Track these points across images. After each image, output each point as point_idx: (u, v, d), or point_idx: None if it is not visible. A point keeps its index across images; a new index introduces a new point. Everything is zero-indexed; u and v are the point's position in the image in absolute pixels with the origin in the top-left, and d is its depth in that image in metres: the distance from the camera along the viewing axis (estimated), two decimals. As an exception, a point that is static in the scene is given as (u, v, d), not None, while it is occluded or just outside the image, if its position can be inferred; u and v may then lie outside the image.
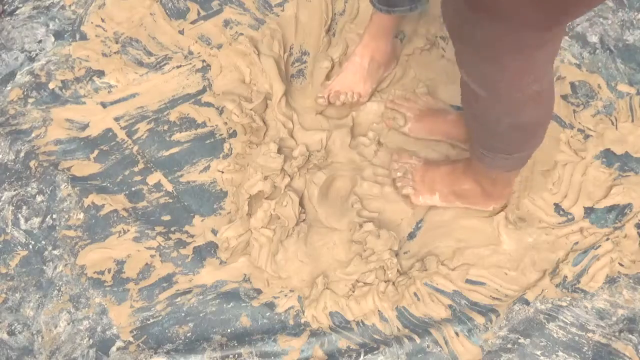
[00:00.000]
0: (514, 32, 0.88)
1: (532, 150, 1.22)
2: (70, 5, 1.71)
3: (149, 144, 1.53)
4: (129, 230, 1.43)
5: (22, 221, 1.45)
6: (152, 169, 1.51)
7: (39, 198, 1.47)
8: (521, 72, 0.97)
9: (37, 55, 1.64)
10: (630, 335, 1.27)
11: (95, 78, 1.60)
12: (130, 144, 1.53)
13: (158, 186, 1.49)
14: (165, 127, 1.55)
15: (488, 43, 0.92)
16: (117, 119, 1.56)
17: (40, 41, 1.66)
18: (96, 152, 1.52)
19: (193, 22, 1.67)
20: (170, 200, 1.47)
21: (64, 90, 1.59)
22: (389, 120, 1.51)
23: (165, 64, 1.61)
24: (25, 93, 1.59)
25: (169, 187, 1.49)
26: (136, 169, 1.51)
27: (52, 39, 1.66)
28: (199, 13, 1.68)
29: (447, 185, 1.40)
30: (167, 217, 1.45)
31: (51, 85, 1.60)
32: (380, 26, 1.46)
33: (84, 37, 1.66)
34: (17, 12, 1.69)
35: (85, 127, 1.56)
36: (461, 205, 1.41)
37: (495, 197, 1.38)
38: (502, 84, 0.99)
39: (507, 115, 1.06)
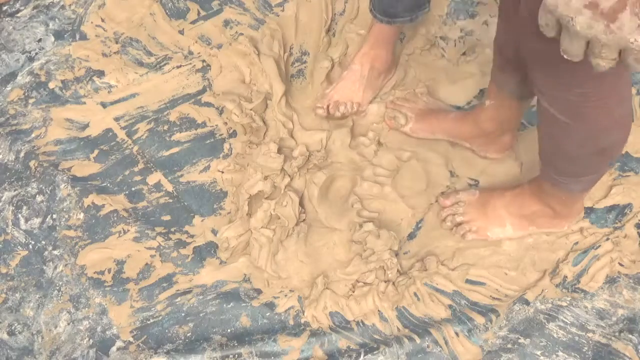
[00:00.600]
0: None
1: (606, 171, 1.20)
2: (70, 5, 1.71)
3: (149, 144, 1.53)
4: (129, 231, 1.43)
5: (22, 221, 1.45)
6: (152, 169, 1.51)
7: (39, 198, 1.47)
8: (607, 96, 0.96)
9: (36, 54, 1.64)
10: (630, 335, 1.27)
11: (95, 78, 1.61)
12: (130, 144, 1.53)
13: (158, 186, 1.49)
14: (165, 127, 1.55)
15: (574, 71, 0.90)
16: (117, 119, 1.56)
17: (39, 40, 1.66)
18: (96, 152, 1.52)
19: (193, 22, 1.67)
20: (170, 200, 1.47)
21: (64, 91, 1.60)
22: (390, 120, 1.51)
23: (165, 64, 1.61)
24: (26, 94, 1.59)
25: (169, 187, 1.49)
26: (136, 169, 1.51)
27: (52, 38, 1.67)
28: (199, 13, 1.68)
29: (515, 212, 1.35)
30: (167, 217, 1.45)
31: (51, 85, 1.60)
32: (381, 36, 1.46)
33: (84, 37, 1.67)
34: (18, 14, 1.69)
35: (85, 127, 1.56)
36: (536, 230, 1.36)
37: (566, 215, 1.34)
38: (589, 110, 0.97)
39: (591, 140, 1.04)
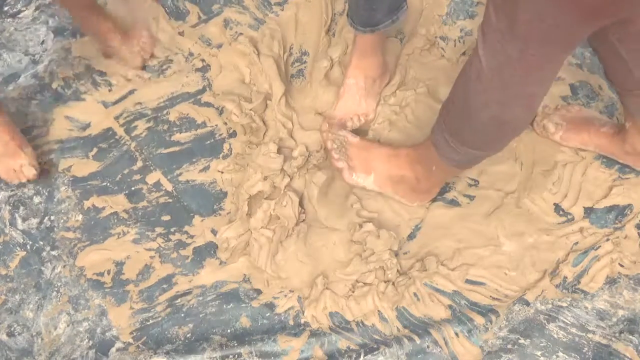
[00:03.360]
0: (564, 22, 0.87)
1: (489, 154, 1.22)
2: (70, 5, 1.70)
3: (148, 142, 1.53)
4: (128, 232, 1.43)
5: (19, 221, 1.45)
6: (152, 168, 1.50)
7: (36, 199, 1.47)
8: (534, 68, 0.97)
9: (40, 57, 1.63)
10: (630, 336, 1.27)
11: (96, 77, 1.60)
12: (128, 141, 1.53)
13: (157, 185, 1.49)
14: (165, 127, 1.54)
15: (528, 25, 0.90)
16: (116, 117, 1.56)
17: (42, 42, 1.65)
18: (95, 150, 1.52)
19: (194, 26, 1.65)
20: (170, 200, 1.47)
21: (65, 89, 1.59)
22: (540, 128, 1.47)
23: (167, 68, 1.61)
24: (28, 95, 1.58)
25: (168, 186, 1.49)
26: (135, 168, 1.50)
27: (52, 36, 1.66)
28: (199, 17, 1.67)
29: (385, 169, 1.39)
30: (166, 217, 1.45)
31: (54, 85, 1.59)
32: (367, 45, 1.43)
33: (84, 36, 1.66)
34: (20, 14, 1.69)
35: (85, 125, 1.55)
36: (391, 194, 1.41)
37: (422, 192, 1.39)
38: (510, 71, 0.98)
39: (497, 104, 1.05)
